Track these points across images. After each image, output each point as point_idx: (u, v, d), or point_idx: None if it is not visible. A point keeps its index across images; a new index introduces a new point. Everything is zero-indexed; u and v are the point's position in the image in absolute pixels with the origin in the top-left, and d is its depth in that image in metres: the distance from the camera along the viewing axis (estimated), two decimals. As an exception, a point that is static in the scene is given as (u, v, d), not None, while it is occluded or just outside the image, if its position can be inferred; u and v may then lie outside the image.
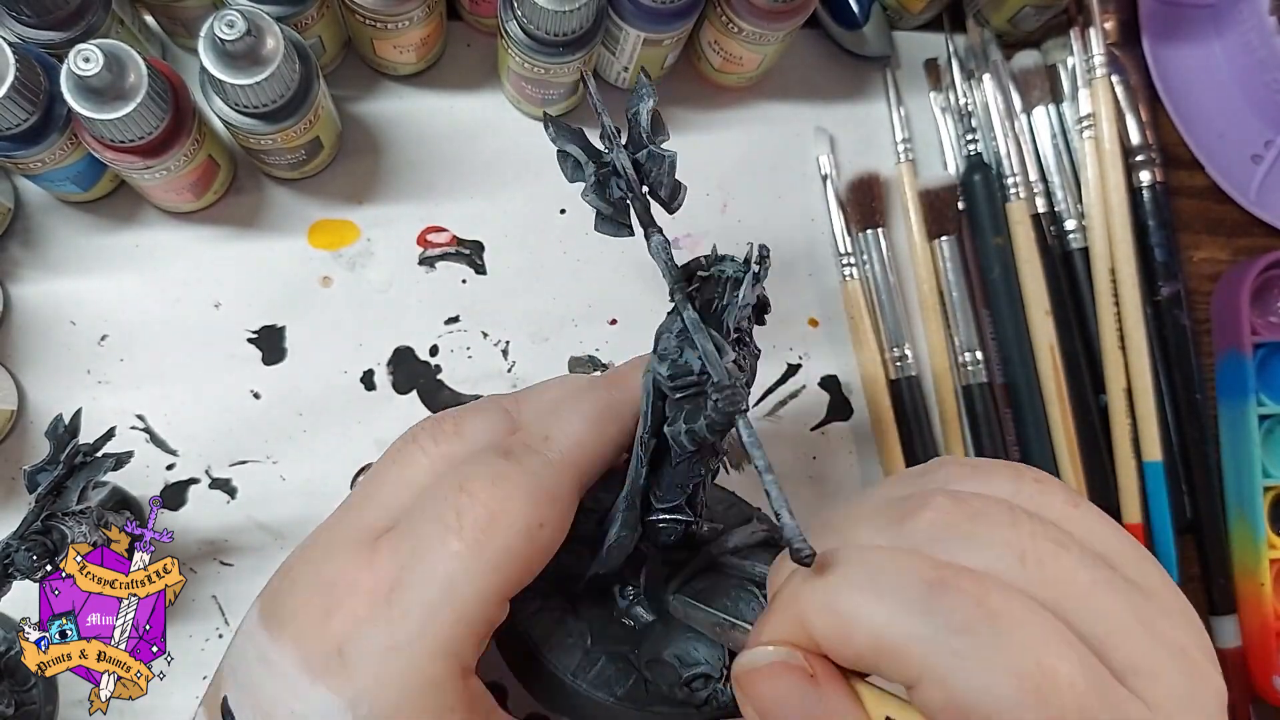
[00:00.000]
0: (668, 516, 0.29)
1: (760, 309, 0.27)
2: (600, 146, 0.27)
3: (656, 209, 0.27)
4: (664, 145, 0.26)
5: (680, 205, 0.27)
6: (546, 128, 0.28)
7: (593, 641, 0.31)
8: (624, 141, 0.27)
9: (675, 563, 0.32)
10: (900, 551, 0.21)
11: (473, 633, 0.25)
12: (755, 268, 0.25)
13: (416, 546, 0.25)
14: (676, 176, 0.26)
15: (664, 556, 0.32)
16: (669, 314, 0.26)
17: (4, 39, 0.36)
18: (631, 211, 0.27)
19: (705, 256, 0.27)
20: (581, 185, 0.27)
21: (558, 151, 0.28)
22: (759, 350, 0.27)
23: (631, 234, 0.27)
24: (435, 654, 0.24)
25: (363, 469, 0.35)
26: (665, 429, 0.27)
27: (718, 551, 0.32)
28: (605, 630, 0.31)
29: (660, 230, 0.26)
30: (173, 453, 0.45)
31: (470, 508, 0.25)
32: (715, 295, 0.26)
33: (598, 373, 0.48)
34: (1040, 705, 0.18)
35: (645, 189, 0.27)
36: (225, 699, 0.26)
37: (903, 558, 0.20)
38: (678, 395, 0.26)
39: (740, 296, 0.25)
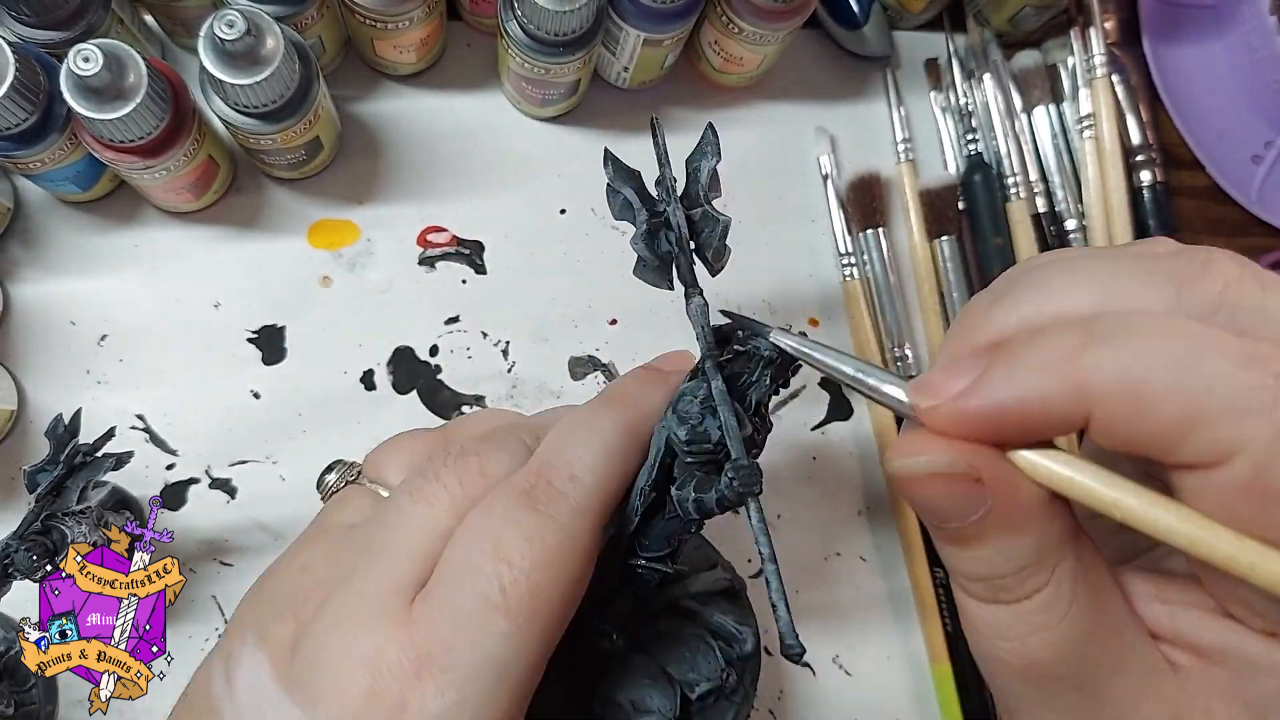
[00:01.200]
0: (648, 565, 0.29)
1: (780, 378, 0.27)
2: (654, 194, 0.27)
3: (700, 270, 0.27)
4: (716, 206, 0.26)
5: (723, 268, 0.27)
6: (606, 165, 0.27)
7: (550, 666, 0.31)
8: (680, 195, 0.27)
9: (640, 598, 0.32)
10: (1200, 323, 0.19)
11: (522, 703, 0.25)
12: (783, 350, 0.25)
13: (459, 624, 0.24)
14: (726, 241, 0.26)
15: (632, 592, 0.32)
16: (694, 377, 0.26)
17: (4, 38, 0.36)
18: (675, 266, 0.27)
19: (738, 329, 0.26)
20: (623, 221, 0.27)
21: (607, 186, 0.27)
22: (772, 424, 0.27)
23: (671, 288, 0.27)
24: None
25: (330, 466, 0.33)
26: (672, 490, 0.26)
27: (680, 594, 0.32)
28: (565, 658, 0.31)
29: (701, 292, 0.26)
30: (172, 453, 0.45)
31: (513, 582, 0.24)
32: (745, 371, 0.26)
33: (601, 380, 0.48)
34: None
35: (693, 247, 0.27)
36: None
37: (1208, 330, 0.19)
38: (689, 460, 0.26)
39: (769, 378, 0.25)
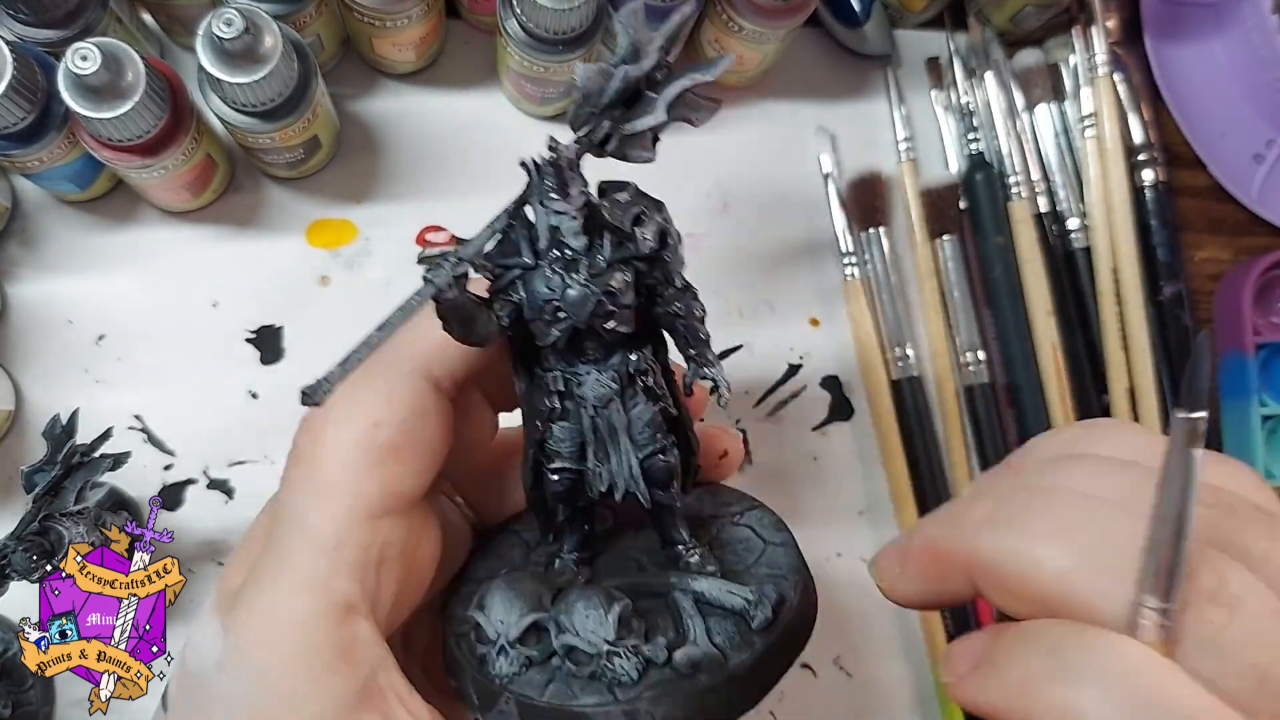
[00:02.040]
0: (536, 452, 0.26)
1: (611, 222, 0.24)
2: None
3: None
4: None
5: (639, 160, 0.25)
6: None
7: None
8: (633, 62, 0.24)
9: (634, 561, 0.30)
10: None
11: (340, 561, 0.24)
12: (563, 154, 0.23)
13: (282, 486, 0.26)
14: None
15: (621, 540, 0.30)
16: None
17: (2, 37, 0.36)
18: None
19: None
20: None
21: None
22: (613, 280, 0.24)
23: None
24: (296, 588, 0.24)
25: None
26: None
27: (678, 584, 0.28)
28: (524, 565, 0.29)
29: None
30: (170, 453, 0.45)
31: (301, 433, 0.26)
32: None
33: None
34: (1273, 699, 0.18)
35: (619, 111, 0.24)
36: None
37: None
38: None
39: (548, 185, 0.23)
